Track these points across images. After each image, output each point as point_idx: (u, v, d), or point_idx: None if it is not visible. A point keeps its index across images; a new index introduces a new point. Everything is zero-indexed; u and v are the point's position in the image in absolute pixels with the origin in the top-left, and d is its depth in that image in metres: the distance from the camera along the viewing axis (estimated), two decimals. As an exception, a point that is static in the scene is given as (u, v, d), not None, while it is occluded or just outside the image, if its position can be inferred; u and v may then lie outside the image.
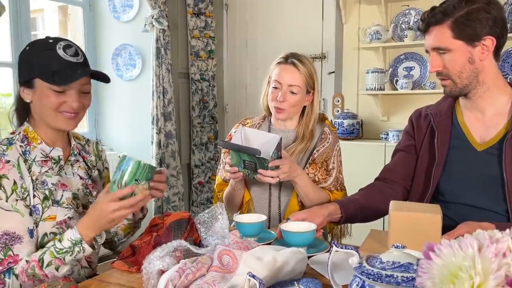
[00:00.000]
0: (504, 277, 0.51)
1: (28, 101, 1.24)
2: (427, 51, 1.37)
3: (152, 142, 3.18)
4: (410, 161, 1.51)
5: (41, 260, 1.12)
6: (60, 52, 1.20)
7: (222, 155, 1.73)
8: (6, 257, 1.12)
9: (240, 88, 3.85)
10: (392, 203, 1.24)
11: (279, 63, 1.63)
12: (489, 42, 1.28)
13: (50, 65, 1.18)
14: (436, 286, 0.55)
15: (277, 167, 1.42)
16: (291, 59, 1.60)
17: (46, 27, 6.77)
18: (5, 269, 1.12)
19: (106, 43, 3.31)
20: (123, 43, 3.27)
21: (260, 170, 1.42)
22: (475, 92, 1.33)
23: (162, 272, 0.98)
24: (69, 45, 1.23)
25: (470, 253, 0.53)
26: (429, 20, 1.30)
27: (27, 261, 1.13)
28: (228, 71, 3.90)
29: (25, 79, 1.22)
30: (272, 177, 1.42)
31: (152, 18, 3.07)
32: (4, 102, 3.09)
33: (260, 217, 1.36)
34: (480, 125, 1.37)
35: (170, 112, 3.22)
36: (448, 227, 1.20)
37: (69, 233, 1.14)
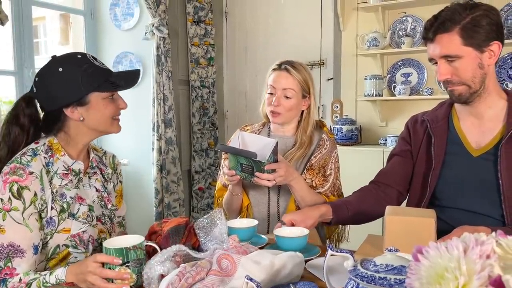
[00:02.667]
0: (488, 278, 0.53)
1: (80, 119, 1.24)
2: (431, 60, 1.36)
3: (152, 149, 3.20)
4: (405, 166, 1.53)
5: (28, 285, 1.12)
6: (96, 63, 1.25)
7: (222, 160, 1.76)
8: (5, 268, 1.13)
9: (240, 95, 3.88)
10: (388, 208, 1.26)
11: (273, 69, 1.68)
12: (496, 47, 1.30)
13: (103, 75, 1.24)
14: (424, 287, 0.57)
15: (273, 171, 1.45)
16: (284, 65, 1.65)
17: (47, 34, 6.82)
18: (1, 279, 1.13)
19: (107, 51, 3.35)
20: (124, 51, 3.30)
21: (256, 173, 1.45)
22: (479, 97, 1.34)
23: (162, 277, 1.00)
24: (93, 57, 1.28)
25: (455, 254, 0.56)
26: (437, 28, 1.30)
27: (20, 280, 1.13)
28: (227, 78, 3.94)
29: (77, 98, 1.22)
30: (268, 180, 1.45)
31: (153, 26, 3.11)
32: (6, 109, 3.12)
33: (251, 222, 1.38)
34: (476, 130, 1.39)
35: (170, 118, 3.25)
36: (444, 231, 1.22)
37: (59, 271, 1.12)
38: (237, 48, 3.87)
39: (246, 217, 1.64)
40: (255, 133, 1.76)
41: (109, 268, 1.04)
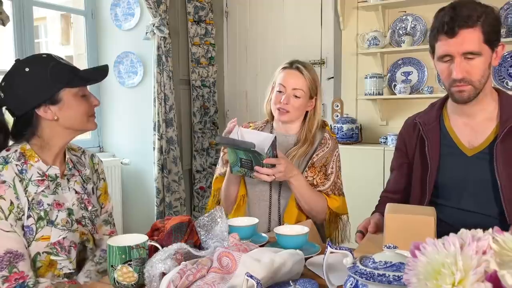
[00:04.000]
0: (484, 273, 0.54)
1: (55, 119, 1.22)
2: (445, 56, 1.29)
3: (154, 148, 3.21)
4: (406, 179, 1.54)
5: None
6: (63, 61, 1.24)
7: (221, 154, 1.77)
8: (12, 274, 1.12)
9: (241, 94, 3.89)
10: (388, 206, 1.26)
11: (284, 68, 1.69)
12: (501, 48, 1.30)
13: (71, 71, 1.23)
14: (421, 282, 0.58)
15: (273, 166, 1.45)
16: (296, 64, 1.67)
17: (48, 35, 6.84)
18: (13, 285, 1.13)
19: (108, 51, 3.36)
20: (124, 51, 3.31)
21: (256, 167, 1.45)
22: (476, 97, 1.33)
23: (163, 274, 1.01)
24: (59, 56, 1.27)
25: (452, 250, 0.57)
26: (463, 23, 1.24)
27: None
28: (228, 77, 3.95)
29: (48, 96, 1.20)
30: (268, 175, 1.45)
31: (153, 26, 3.12)
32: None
33: (252, 221, 1.38)
34: (468, 130, 1.39)
35: (171, 118, 3.26)
36: (444, 232, 1.22)
37: None
38: (237, 48, 3.88)
39: (242, 208, 1.65)
40: (258, 130, 1.77)
41: (112, 266, 1.05)
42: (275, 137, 1.45)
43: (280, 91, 1.66)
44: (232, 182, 1.68)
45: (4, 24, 2.37)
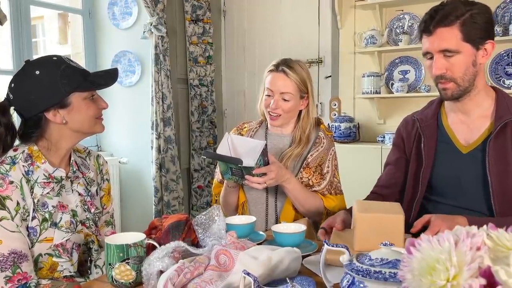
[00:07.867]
0: (478, 269, 0.55)
1: (63, 122, 1.22)
2: (426, 54, 1.35)
3: (152, 147, 3.21)
4: (400, 176, 1.54)
5: None
6: (73, 64, 1.23)
7: None
8: (15, 274, 1.13)
9: (239, 93, 3.89)
10: (357, 203, 1.26)
11: (270, 71, 1.66)
12: (490, 46, 1.31)
13: (81, 75, 1.22)
14: (416, 278, 0.58)
15: (264, 174, 1.44)
16: (281, 66, 1.63)
17: (46, 34, 6.81)
18: (16, 285, 1.13)
19: (106, 50, 3.36)
20: (122, 50, 3.31)
21: (246, 176, 1.44)
22: (468, 95, 1.35)
23: (161, 272, 1.01)
24: (69, 58, 1.26)
25: (446, 247, 0.57)
26: (439, 21, 1.29)
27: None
28: (226, 76, 3.95)
29: (58, 100, 1.19)
30: (259, 183, 1.45)
31: (151, 25, 3.12)
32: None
33: (250, 219, 1.38)
34: (465, 127, 1.40)
35: (169, 117, 3.26)
36: None
37: None
38: (235, 47, 3.88)
39: (243, 214, 1.65)
40: (253, 131, 1.76)
41: (109, 264, 1.06)
42: (266, 144, 1.43)
43: (268, 95, 1.64)
44: (230, 192, 1.67)
45: (1, 23, 2.37)
